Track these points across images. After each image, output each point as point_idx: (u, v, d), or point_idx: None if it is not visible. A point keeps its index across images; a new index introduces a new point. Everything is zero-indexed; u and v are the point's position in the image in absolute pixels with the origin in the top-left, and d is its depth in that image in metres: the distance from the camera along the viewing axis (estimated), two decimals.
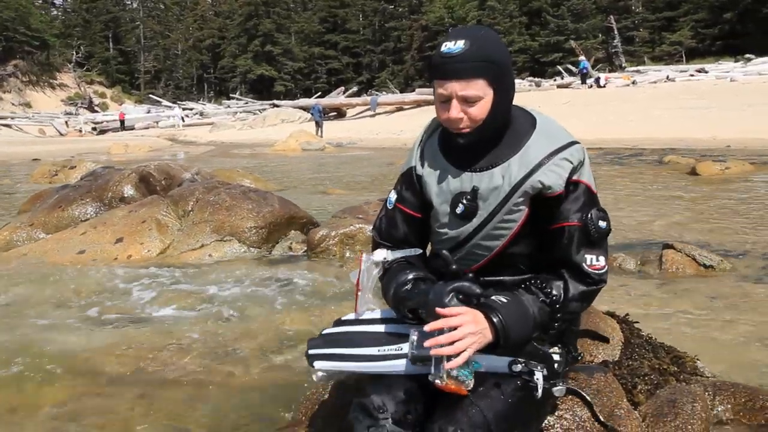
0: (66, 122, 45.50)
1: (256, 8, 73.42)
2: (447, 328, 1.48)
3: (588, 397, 1.80)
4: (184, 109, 50.55)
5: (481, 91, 1.61)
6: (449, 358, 1.46)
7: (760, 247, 5.51)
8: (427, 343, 1.47)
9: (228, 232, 5.92)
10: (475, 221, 1.71)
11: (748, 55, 39.98)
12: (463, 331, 1.47)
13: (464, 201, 1.71)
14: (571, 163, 1.66)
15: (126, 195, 6.94)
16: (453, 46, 1.62)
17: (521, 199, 1.66)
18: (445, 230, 1.78)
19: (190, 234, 5.91)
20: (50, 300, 4.32)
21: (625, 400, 1.97)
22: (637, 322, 2.88)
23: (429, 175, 1.80)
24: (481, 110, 1.63)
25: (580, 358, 1.80)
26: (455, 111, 1.63)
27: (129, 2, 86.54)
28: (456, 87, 1.61)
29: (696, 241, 5.65)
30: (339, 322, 1.88)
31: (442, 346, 1.46)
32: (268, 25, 72.58)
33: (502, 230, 1.70)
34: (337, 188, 10.47)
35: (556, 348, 1.70)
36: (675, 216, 7.03)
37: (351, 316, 1.88)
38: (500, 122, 1.70)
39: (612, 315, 2.90)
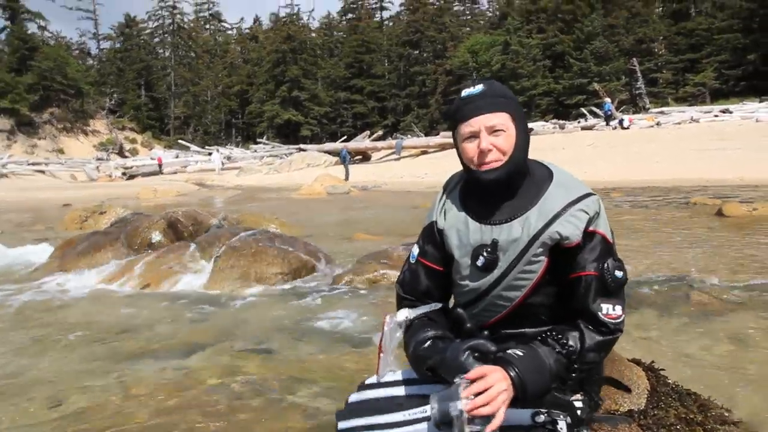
0: (97, 167, 46.58)
1: (284, 55, 75.09)
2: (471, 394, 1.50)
3: None
4: (210, 154, 51.47)
5: (505, 122, 1.71)
6: (485, 419, 1.48)
7: None
8: (467, 407, 1.48)
9: (253, 278, 6.00)
10: (496, 273, 1.75)
11: None
12: (497, 389, 1.50)
13: (485, 253, 1.75)
14: (588, 213, 1.71)
15: (154, 241, 7.10)
16: (473, 89, 1.77)
17: (540, 249, 1.70)
18: (467, 282, 1.81)
19: (216, 280, 6.00)
20: (75, 336, 4.41)
21: None
22: (663, 369, 2.85)
23: (450, 229, 1.85)
24: (507, 142, 1.71)
25: (601, 403, 1.80)
26: (485, 141, 1.70)
27: (161, 51, 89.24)
28: (482, 120, 1.71)
29: (724, 283, 5.57)
30: (362, 387, 1.90)
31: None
32: (295, 71, 74.06)
33: (522, 281, 1.74)
34: (362, 233, 10.52)
35: (578, 395, 1.71)
36: (701, 257, 6.94)
37: (373, 379, 1.89)
38: (522, 162, 1.76)
39: (638, 363, 2.87)
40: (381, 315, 4.84)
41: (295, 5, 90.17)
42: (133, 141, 68.04)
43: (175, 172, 45.17)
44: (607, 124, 37.23)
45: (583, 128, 38.01)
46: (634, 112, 44.13)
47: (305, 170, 36.63)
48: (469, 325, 1.73)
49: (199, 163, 48.33)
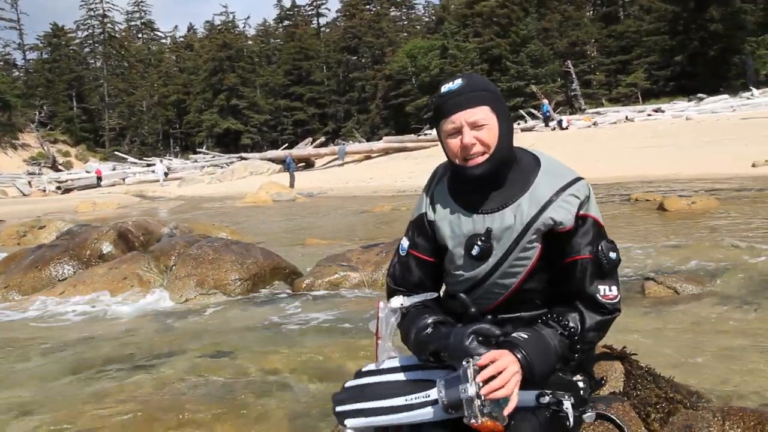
0: (29, 182, 44.82)
1: (221, 63, 74.06)
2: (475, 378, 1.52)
3: (618, 421, 1.82)
4: (148, 165, 50.43)
5: (486, 116, 1.71)
6: (497, 402, 1.50)
7: (733, 274, 5.67)
8: (483, 391, 1.49)
9: (212, 285, 5.89)
10: (491, 261, 1.76)
11: (700, 95, 41.58)
12: (510, 372, 1.51)
13: (479, 242, 1.75)
14: (578, 198, 1.74)
15: (105, 252, 6.88)
16: (452, 84, 1.75)
17: (534, 236, 1.72)
18: (461, 272, 1.82)
19: (173, 289, 5.86)
20: (34, 351, 4.23)
21: (643, 428, 2.00)
22: (635, 354, 2.94)
23: (441, 220, 1.84)
24: (490, 135, 1.72)
25: (603, 382, 1.84)
26: (468, 137, 1.70)
27: (92, 61, 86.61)
28: (464, 115, 1.71)
29: (673, 272, 5.79)
30: (360, 374, 1.88)
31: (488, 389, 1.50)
32: (233, 79, 73.12)
33: (517, 268, 1.75)
34: (314, 238, 10.47)
35: (578, 375, 1.74)
36: (650, 250, 7.18)
37: (371, 366, 1.87)
38: (507, 153, 1.77)
39: (611, 349, 2.96)
40: (345, 315, 4.85)
41: (230, 13, 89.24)
42: (67, 154, 65.89)
43: (114, 185, 43.92)
44: (546, 125, 38.12)
45: (523, 130, 38.71)
46: (570, 113, 45.31)
47: (248, 179, 36.18)
48: (473, 309, 1.74)
49: (137, 175, 47.15)
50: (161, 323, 4.89)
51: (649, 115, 36.74)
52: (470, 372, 1.52)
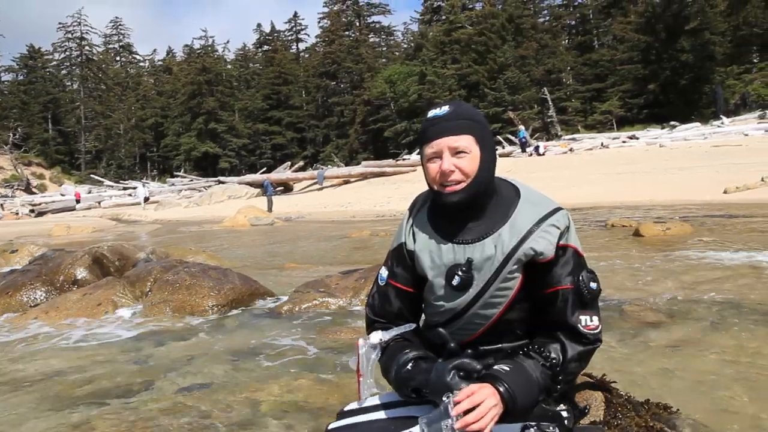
0: (1, 205, 44.19)
1: (200, 87, 74.03)
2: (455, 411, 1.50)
3: None
4: (125, 189, 50.06)
5: (469, 145, 1.72)
6: None
7: (711, 299, 5.71)
8: (457, 425, 1.48)
9: (188, 311, 5.81)
10: (472, 291, 1.76)
11: (672, 122, 42.45)
12: (487, 406, 1.50)
13: (460, 273, 1.75)
14: (559, 228, 1.75)
15: (79, 278, 6.76)
16: (440, 110, 1.76)
17: (515, 266, 1.72)
18: (442, 302, 1.81)
19: (149, 315, 5.77)
20: (2, 383, 4.10)
21: None
22: (614, 382, 2.94)
23: (421, 250, 1.84)
24: (471, 164, 1.72)
25: (587, 411, 1.84)
26: (447, 162, 1.71)
27: (69, 83, 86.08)
28: (446, 141, 1.71)
29: (651, 297, 5.83)
30: (342, 414, 1.85)
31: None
32: (212, 103, 73.08)
33: (498, 298, 1.75)
34: (293, 263, 10.39)
35: (562, 405, 1.74)
36: (627, 275, 7.24)
37: (353, 405, 1.85)
38: (488, 183, 1.78)
39: (590, 377, 2.95)
40: (325, 343, 4.80)
41: (209, 37, 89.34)
42: (41, 176, 65.10)
43: (89, 208, 43.45)
44: (523, 151, 38.57)
45: (500, 155, 39.02)
46: (547, 139, 45.97)
47: (226, 203, 36.03)
48: (452, 344, 1.74)
49: (113, 198, 46.73)
50: (135, 351, 4.78)
51: (624, 141, 37.44)
52: (451, 407, 1.51)
